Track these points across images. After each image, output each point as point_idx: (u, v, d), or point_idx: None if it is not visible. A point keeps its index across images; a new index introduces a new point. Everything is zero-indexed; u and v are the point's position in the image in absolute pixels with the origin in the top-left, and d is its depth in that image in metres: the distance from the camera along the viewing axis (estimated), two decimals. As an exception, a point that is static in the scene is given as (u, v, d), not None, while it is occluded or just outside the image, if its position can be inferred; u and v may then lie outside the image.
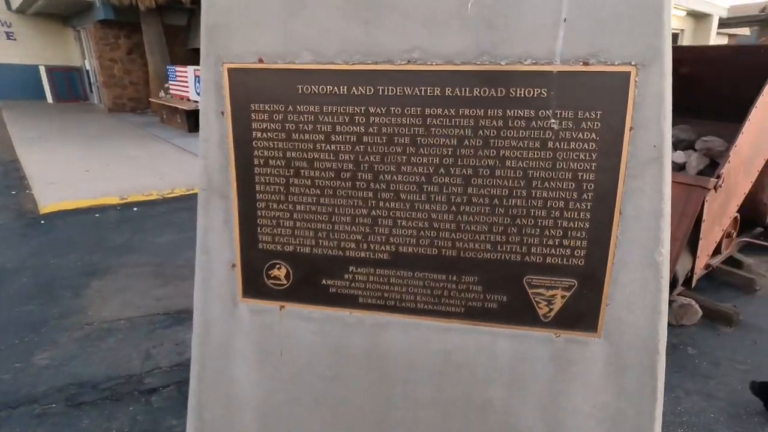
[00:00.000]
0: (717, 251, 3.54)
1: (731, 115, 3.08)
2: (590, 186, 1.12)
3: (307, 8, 1.13)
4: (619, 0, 1.02)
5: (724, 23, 24.88)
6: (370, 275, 1.27)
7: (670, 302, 2.96)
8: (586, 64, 1.05)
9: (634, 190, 1.11)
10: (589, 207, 1.13)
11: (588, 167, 1.11)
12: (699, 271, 2.94)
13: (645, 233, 1.13)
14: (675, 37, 14.88)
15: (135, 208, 5.38)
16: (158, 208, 5.40)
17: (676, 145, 3.51)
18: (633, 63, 1.04)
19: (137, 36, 12.76)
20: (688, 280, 2.96)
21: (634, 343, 1.17)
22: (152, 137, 9.95)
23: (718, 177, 2.66)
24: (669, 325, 3.14)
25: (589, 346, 1.20)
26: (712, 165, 3.18)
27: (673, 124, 4.06)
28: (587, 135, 1.09)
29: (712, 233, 2.92)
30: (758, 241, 4.09)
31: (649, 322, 1.16)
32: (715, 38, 15.39)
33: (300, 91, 1.17)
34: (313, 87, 1.16)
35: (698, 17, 14.75)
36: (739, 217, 3.58)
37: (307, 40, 1.15)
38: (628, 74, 1.05)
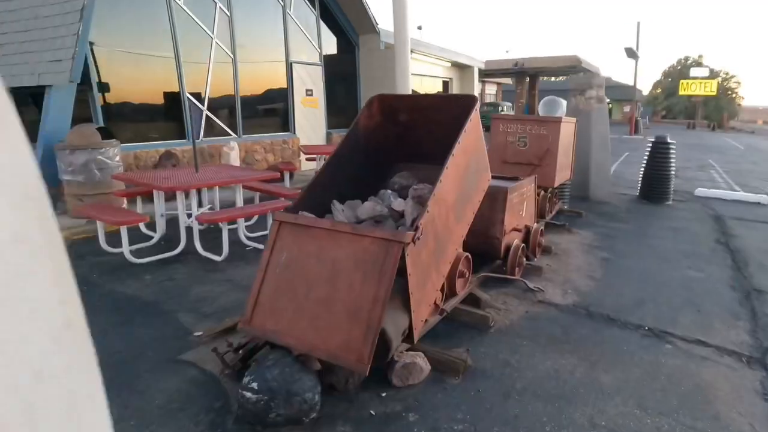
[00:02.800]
0: (454, 294, 3.55)
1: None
2: None
3: None
4: None
5: (488, 73, 29.74)
6: None
7: (392, 362, 2.73)
8: None
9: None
10: None
11: None
12: (419, 325, 2.79)
13: None
14: (446, 84, 16.96)
15: None
16: None
17: (399, 193, 3.45)
18: None
19: None
20: (410, 336, 2.78)
21: None
22: None
23: (416, 229, 2.54)
24: (395, 388, 3.00)
25: None
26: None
27: (399, 170, 4.17)
28: None
29: (426, 285, 2.80)
30: (495, 274, 4.33)
31: None
32: (478, 86, 17.95)
33: None
34: None
35: (462, 68, 17.12)
36: (469, 257, 3.67)
37: None
38: None
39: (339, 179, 3.36)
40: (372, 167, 3.69)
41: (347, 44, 12.15)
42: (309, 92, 10.64)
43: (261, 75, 9.82)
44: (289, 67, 10.06)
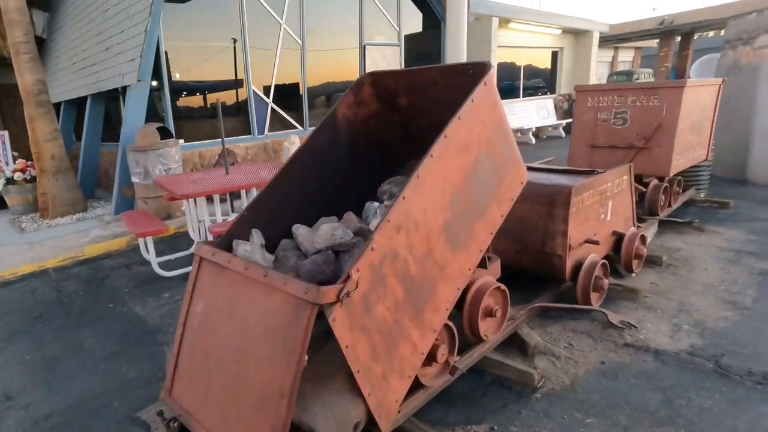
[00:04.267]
0: (480, 339, 2.57)
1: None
2: None
3: None
4: None
5: (622, 38, 25.77)
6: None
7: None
8: None
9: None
10: None
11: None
12: (387, 410, 1.88)
13: None
14: (555, 55, 14.79)
15: None
16: None
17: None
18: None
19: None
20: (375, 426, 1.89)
21: None
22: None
23: (346, 279, 1.63)
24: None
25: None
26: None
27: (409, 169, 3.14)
28: None
29: (396, 349, 1.88)
30: (558, 305, 3.16)
31: None
32: (598, 54, 15.40)
33: None
34: None
35: (577, 34, 14.75)
36: (504, 288, 2.63)
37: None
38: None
39: (309, 189, 2.56)
40: (368, 168, 2.81)
41: (433, 19, 11.06)
42: (388, 78, 9.85)
43: (331, 60, 9.28)
44: (362, 50, 9.37)
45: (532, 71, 14.41)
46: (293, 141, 7.83)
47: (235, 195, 5.94)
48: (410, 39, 10.90)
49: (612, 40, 27.46)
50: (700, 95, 4.44)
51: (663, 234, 4.54)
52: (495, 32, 10.26)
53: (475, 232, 2.22)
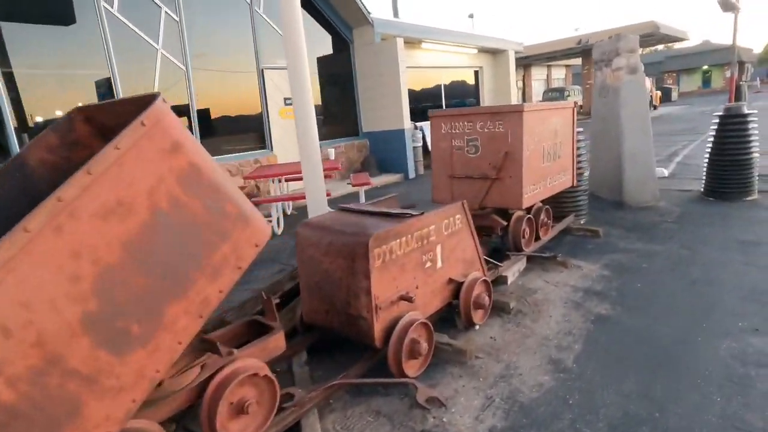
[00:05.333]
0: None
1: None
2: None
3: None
4: None
5: (551, 56, 26.60)
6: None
7: None
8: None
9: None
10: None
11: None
12: None
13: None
14: (477, 74, 14.80)
15: None
16: None
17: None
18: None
19: None
20: None
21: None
22: None
23: None
24: None
25: None
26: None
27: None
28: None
29: None
30: (358, 381, 2.62)
31: None
32: (515, 72, 15.59)
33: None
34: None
35: (495, 54, 14.84)
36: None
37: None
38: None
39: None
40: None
41: (341, 41, 10.69)
42: (289, 101, 9.32)
43: (224, 86, 8.67)
44: (261, 74, 8.81)
45: (459, 90, 14.33)
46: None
47: None
48: (322, 62, 10.48)
49: (541, 58, 28.38)
50: (549, 119, 4.12)
51: (531, 271, 4.16)
52: (401, 53, 9.96)
53: (167, 321, 1.65)
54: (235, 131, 8.82)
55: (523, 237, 4.20)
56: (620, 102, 6.05)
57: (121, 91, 7.00)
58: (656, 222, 5.25)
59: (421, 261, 2.87)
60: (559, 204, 5.41)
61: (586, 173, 5.57)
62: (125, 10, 6.94)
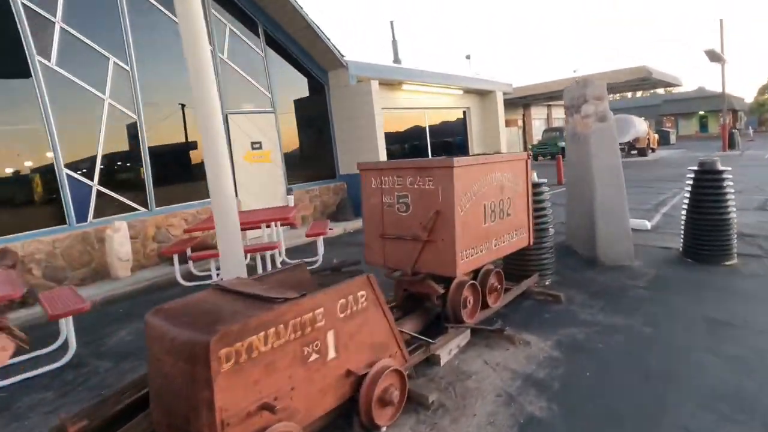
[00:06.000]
0: None
1: None
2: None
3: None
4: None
5: (552, 96, 26.64)
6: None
7: None
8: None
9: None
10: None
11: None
12: None
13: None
14: (464, 114, 14.60)
15: None
16: None
17: None
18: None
19: None
20: None
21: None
22: None
23: None
24: None
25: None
26: None
27: None
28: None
29: None
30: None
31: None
32: (504, 112, 15.39)
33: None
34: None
35: (483, 94, 14.68)
36: None
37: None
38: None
39: None
40: None
41: (315, 83, 10.49)
42: (256, 145, 9.01)
43: (182, 133, 8.37)
44: (225, 119, 8.54)
45: (447, 130, 14.14)
46: (118, 228, 6.67)
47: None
48: (298, 104, 10.27)
49: (540, 98, 28.46)
50: (491, 173, 3.66)
51: (473, 346, 3.62)
52: (376, 95, 9.72)
53: None
54: (196, 177, 8.47)
55: (465, 306, 3.68)
56: (591, 151, 5.62)
57: (58, 142, 6.62)
58: (626, 287, 4.70)
59: (302, 354, 2.35)
60: (522, 262, 4.91)
61: (551, 230, 5.09)
62: (63, 63, 6.68)
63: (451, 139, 14.52)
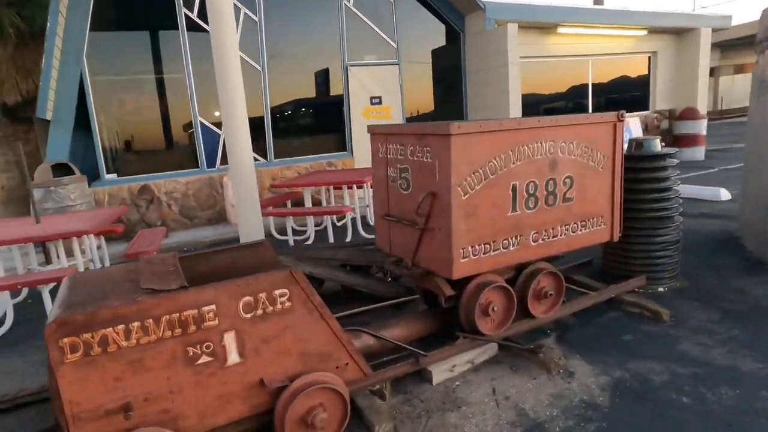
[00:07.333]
0: None
1: None
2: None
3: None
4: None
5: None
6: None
7: None
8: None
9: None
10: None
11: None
12: None
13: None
14: (649, 60, 11.73)
15: None
16: None
17: None
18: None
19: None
20: None
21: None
22: None
23: None
24: None
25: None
26: None
27: None
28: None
29: None
30: None
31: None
32: (713, 57, 11.88)
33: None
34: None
35: (679, 34, 11.47)
36: None
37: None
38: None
39: None
40: None
41: (451, 31, 9.52)
42: (376, 100, 8.66)
43: (303, 85, 8.43)
44: (345, 71, 8.35)
45: (620, 83, 11.70)
46: (231, 175, 7.21)
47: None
48: (429, 55, 9.59)
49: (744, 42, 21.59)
50: (531, 143, 2.57)
51: (492, 365, 2.80)
52: (512, 41, 8.35)
53: None
54: (313, 132, 8.58)
55: (487, 314, 2.83)
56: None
57: (195, 92, 7.29)
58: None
59: (185, 355, 2.00)
60: (624, 258, 3.66)
61: (677, 218, 3.64)
62: (203, 14, 7.19)
63: (620, 96, 11.90)
